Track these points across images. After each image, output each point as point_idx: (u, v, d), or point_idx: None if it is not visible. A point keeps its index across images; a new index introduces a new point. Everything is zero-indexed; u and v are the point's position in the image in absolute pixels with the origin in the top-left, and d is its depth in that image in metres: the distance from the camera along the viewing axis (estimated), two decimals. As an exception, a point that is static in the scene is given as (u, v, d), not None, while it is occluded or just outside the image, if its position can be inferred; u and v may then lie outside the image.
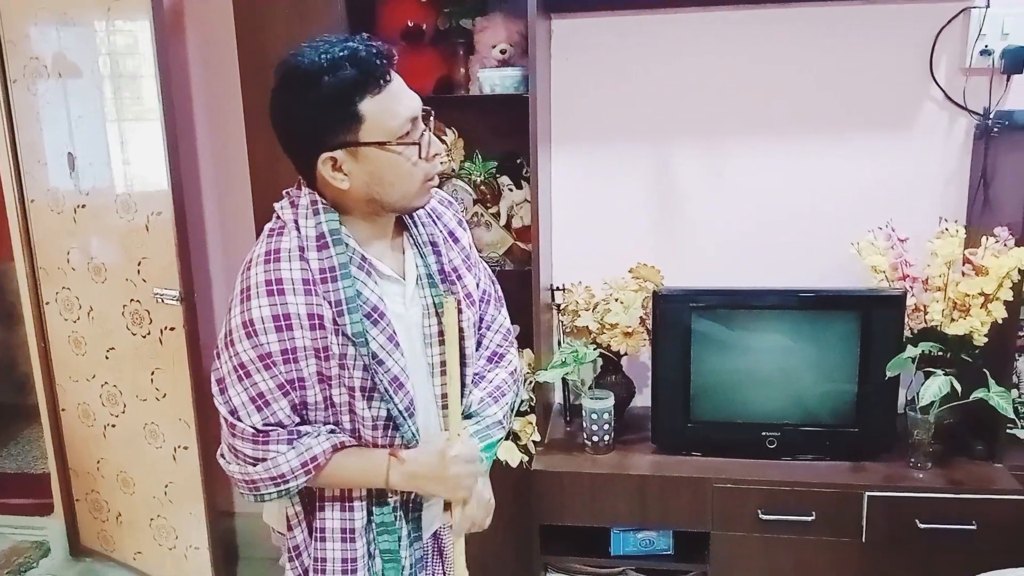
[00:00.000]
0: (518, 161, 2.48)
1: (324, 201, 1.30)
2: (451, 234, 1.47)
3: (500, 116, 2.42)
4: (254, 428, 1.30)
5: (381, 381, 1.30)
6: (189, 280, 2.52)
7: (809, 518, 2.15)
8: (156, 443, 2.76)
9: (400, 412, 1.34)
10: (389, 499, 1.41)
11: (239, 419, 1.31)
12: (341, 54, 1.21)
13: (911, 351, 2.11)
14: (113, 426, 2.86)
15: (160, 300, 2.56)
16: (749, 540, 2.20)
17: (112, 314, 2.72)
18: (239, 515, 3.08)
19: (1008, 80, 2.31)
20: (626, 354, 2.43)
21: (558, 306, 2.52)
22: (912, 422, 2.18)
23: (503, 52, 2.32)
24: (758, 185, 2.49)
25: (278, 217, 1.34)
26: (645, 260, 2.47)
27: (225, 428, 1.35)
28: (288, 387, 1.29)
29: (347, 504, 1.40)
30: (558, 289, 2.53)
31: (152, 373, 2.69)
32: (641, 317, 2.39)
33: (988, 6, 2.27)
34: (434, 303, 1.40)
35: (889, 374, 2.12)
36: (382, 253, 1.37)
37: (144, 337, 2.66)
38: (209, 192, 2.87)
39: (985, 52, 2.29)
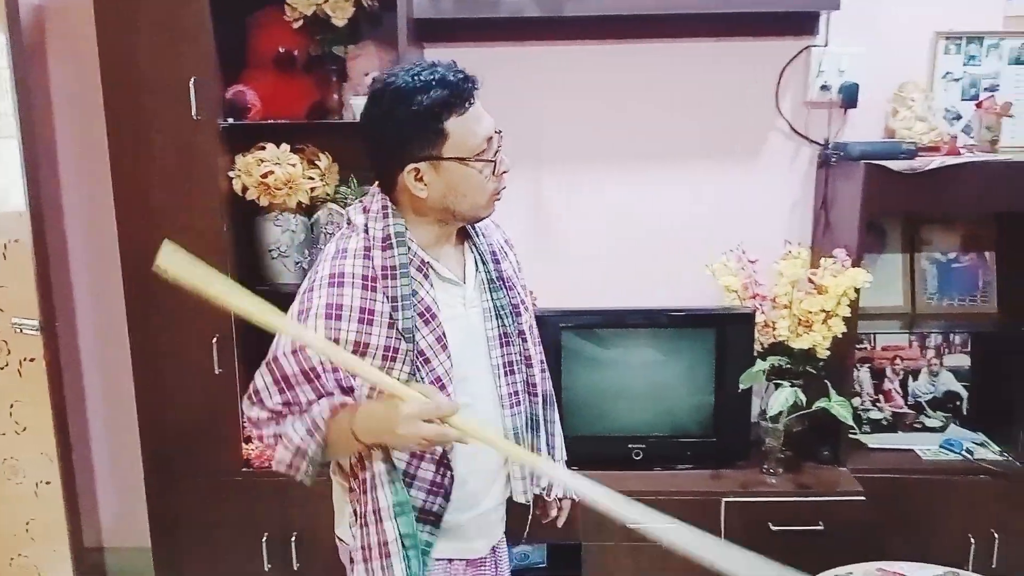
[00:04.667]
0: (381, 181, 2.52)
1: (394, 207, 1.41)
2: (502, 248, 1.59)
3: (374, 142, 2.45)
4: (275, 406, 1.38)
5: (423, 380, 1.37)
6: (50, 309, 2.44)
7: (672, 525, 2.26)
8: (16, 479, 2.63)
9: None
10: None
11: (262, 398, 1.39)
12: (431, 77, 1.34)
13: (761, 365, 2.27)
14: (-31, 462, 2.71)
15: (19, 330, 2.46)
16: (618, 549, 2.30)
17: (-33, 345, 2.59)
18: (109, 550, 2.97)
19: (845, 113, 2.52)
20: (501, 373, 2.49)
21: (434, 328, 2.56)
22: (764, 431, 2.34)
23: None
24: (623, 211, 2.62)
25: (349, 221, 1.44)
26: (519, 282, 2.55)
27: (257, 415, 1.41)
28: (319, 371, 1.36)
29: (374, 484, 1.42)
30: (434, 311, 2.58)
31: (11, 406, 2.57)
32: (514, 337, 2.46)
33: (826, 45, 2.48)
34: (494, 307, 1.50)
35: (742, 386, 2.27)
36: (445, 256, 1.47)
37: (2, 369, 2.55)
38: (73, 216, 2.77)
39: (824, 88, 2.50)
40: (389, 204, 1.40)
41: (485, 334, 1.49)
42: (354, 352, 1.34)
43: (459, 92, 1.35)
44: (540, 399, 1.60)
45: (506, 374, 1.51)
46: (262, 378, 1.39)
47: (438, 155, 1.35)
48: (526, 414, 1.55)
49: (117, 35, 2.19)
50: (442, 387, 1.38)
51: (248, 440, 2.40)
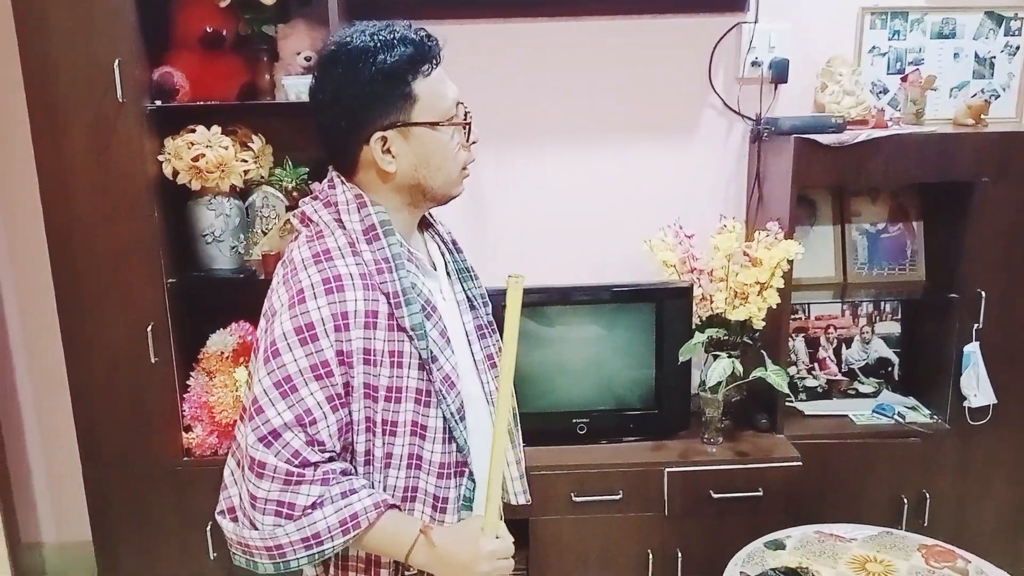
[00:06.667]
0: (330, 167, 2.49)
1: (368, 195, 1.27)
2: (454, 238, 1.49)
3: (308, 122, 2.39)
4: (290, 461, 1.17)
5: (435, 380, 1.26)
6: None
7: (617, 497, 2.31)
8: (-54, 476, 2.56)
9: (452, 415, 1.28)
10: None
11: (273, 442, 1.17)
12: (391, 36, 1.22)
13: (699, 337, 2.31)
14: None
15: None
16: (564, 523, 2.33)
17: None
18: (48, 545, 2.90)
19: (776, 89, 2.56)
20: (444, 353, 2.49)
21: (376, 310, 2.55)
22: (704, 401, 2.39)
23: (308, 59, 2.32)
24: (563, 188, 2.63)
25: (309, 220, 1.29)
26: (460, 261, 2.54)
27: (248, 471, 1.19)
28: (337, 401, 1.20)
29: (374, 570, 1.30)
30: (376, 293, 2.56)
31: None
32: (457, 317, 2.46)
33: (757, 22, 2.51)
34: (468, 298, 1.41)
35: (682, 358, 2.31)
36: (415, 245, 1.35)
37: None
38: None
39: (755, 64, 2.53)
40: (363, 193, 1.26)
41: (463, 327, 1.40)
42: (365, 360, 1.21)
43: (424, 50, 1.24)
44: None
45: (490, 368, 1.41)
46: (279, 416, 1.18)
47: (407, 120, 1.23)
48: (512, 409, 1.47)
49: (35, 16, 2.10)
50: (451, 385, 1.28)
51: (188, 429, 2.37)
